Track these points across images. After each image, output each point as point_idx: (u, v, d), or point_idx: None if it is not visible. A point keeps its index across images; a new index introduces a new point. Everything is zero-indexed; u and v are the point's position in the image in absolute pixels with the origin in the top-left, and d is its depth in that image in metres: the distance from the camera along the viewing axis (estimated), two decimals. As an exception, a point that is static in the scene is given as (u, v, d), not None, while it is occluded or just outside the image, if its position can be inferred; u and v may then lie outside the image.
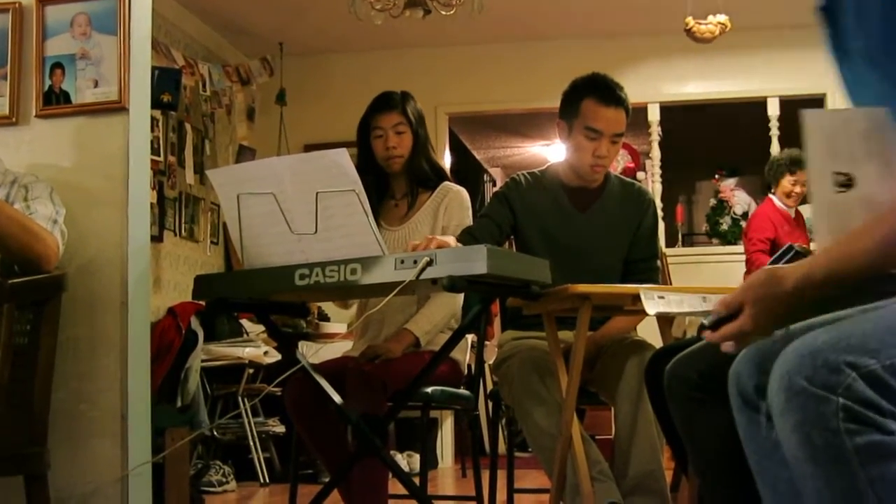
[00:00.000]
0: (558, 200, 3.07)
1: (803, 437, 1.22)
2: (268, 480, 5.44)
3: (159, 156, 5.61)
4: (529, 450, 3.99)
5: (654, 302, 2.36)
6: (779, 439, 1.34)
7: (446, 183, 3.24)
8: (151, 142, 4.92)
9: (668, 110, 6.90)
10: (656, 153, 6.86)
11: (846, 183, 1.50)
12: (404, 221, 3.20)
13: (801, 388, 1.22)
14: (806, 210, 5.40)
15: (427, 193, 3.22)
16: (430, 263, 2.18)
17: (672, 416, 1.99)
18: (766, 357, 1.48)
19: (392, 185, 3.25)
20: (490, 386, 5.10)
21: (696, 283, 4.88)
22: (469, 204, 3.23)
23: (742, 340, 1.51)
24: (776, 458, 1.46)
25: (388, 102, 3.17)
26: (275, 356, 5.51)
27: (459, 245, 2.63)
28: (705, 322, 1.55)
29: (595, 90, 2.94)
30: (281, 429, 5.62)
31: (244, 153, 6.59)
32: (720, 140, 9.02)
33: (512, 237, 3.13)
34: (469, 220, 3.19)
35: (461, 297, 3.13)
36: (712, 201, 6.96)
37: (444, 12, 5.06)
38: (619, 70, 6.09)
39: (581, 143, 2.96)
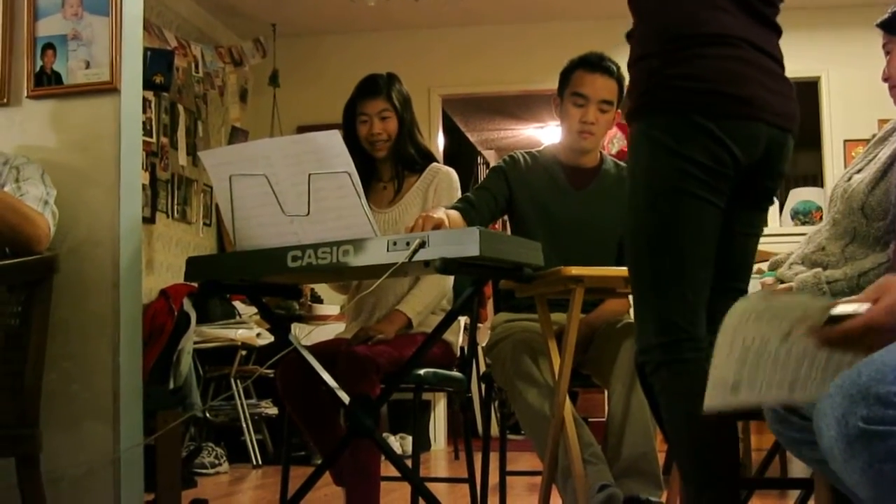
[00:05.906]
0: (554, 177, 3.08)
1: (875, 475, 1.19)
2: (260, 462, 5.45)
3: (151, 137, 5.59)
4: (522, 432, 4.00)
5: None
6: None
7: (434, 164, 3.23)
8: (143, 123, 4.90)
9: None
10: (650, 136, 6.84)
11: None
12: (393, 204, 3.19)
13: (860, 430, 1.19)
14: None
15: (415, 176, 3.21)
16: (422, 245, 2.18)
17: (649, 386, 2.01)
18: None
19: (379, 168, 3.24)
20: (483, 368, 5.10)
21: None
22: (458, 184, 3.23)
23: (871, 340, 1.27)
24: None
25: (373, 88, 3.15)
26: (267, 338, 5.51)
27: (451, 213, 2.65)
28: (833, 312, 1.29)
29: (583, 61, 3.04)
30: (273, 411, 5.63)
31: (237, 135, 6.58)
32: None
33: (507, 217, 3.13)
34: (457, 201, 3.19)
35: (451, 276, 3.13)
36: (706, 184, 6.97)
37: (437, -6, 5.04)
38: (615, 53, 6.06)
39: (569, 111, 3.02)
